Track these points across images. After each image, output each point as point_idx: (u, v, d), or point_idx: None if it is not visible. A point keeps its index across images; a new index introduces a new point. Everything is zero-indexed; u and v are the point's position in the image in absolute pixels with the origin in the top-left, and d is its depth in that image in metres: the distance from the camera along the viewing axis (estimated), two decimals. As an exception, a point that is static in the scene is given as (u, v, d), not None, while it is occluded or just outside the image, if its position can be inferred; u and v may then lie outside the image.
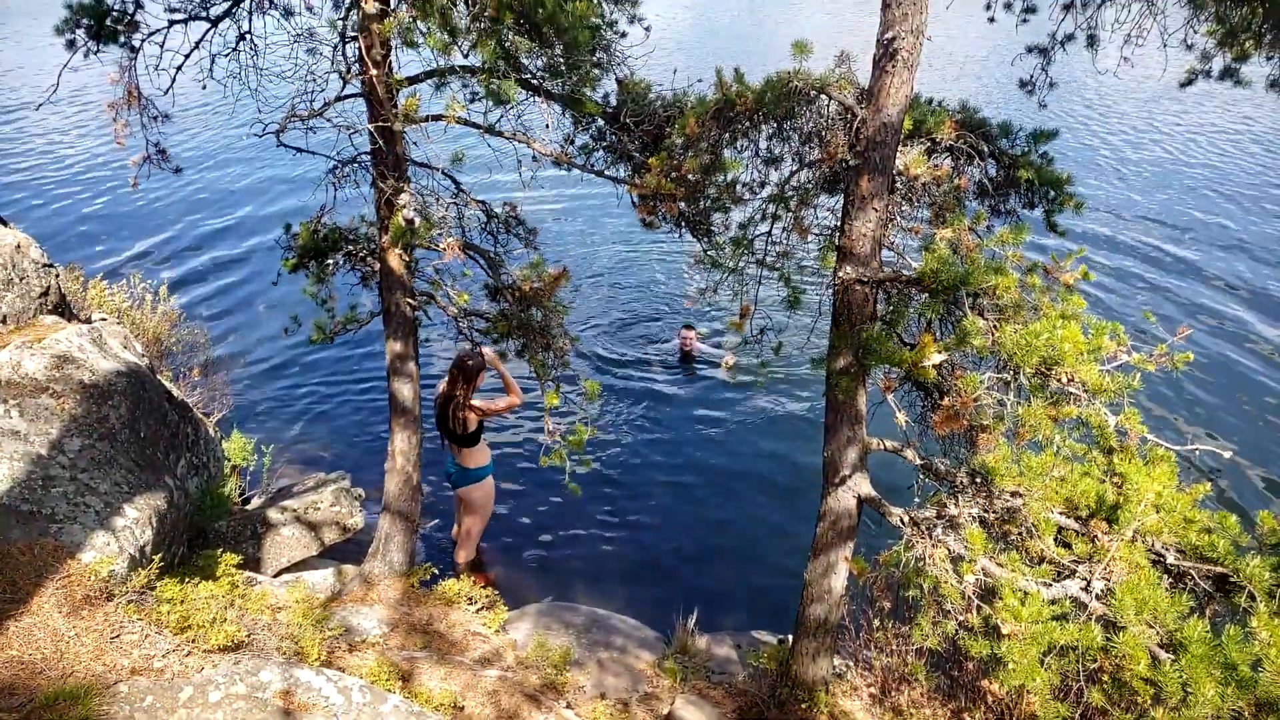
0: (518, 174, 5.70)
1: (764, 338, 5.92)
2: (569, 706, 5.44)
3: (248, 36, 5.77)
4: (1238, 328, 12.42)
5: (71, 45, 5.36)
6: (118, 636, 4.32)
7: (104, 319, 7.39)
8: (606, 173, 5.83)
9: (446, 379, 6.81)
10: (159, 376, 7.22)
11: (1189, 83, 5.47)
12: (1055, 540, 4.01)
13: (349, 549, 7.36)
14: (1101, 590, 3.76)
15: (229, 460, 7.96)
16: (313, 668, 4.56)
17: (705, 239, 5.82)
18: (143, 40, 5.53)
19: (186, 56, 5.64)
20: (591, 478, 8.57)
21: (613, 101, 5.66)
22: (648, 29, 5.80)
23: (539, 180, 5.89)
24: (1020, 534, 4.10)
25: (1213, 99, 25.33)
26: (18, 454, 5.14)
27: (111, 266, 13.39)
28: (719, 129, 4.91)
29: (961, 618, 4.01)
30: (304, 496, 7.39)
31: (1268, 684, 3.17)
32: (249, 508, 7.68)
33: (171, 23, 5.60)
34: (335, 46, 5.29)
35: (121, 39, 5.44)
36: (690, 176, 5.07)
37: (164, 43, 5.55)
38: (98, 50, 5.43)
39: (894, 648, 5.72)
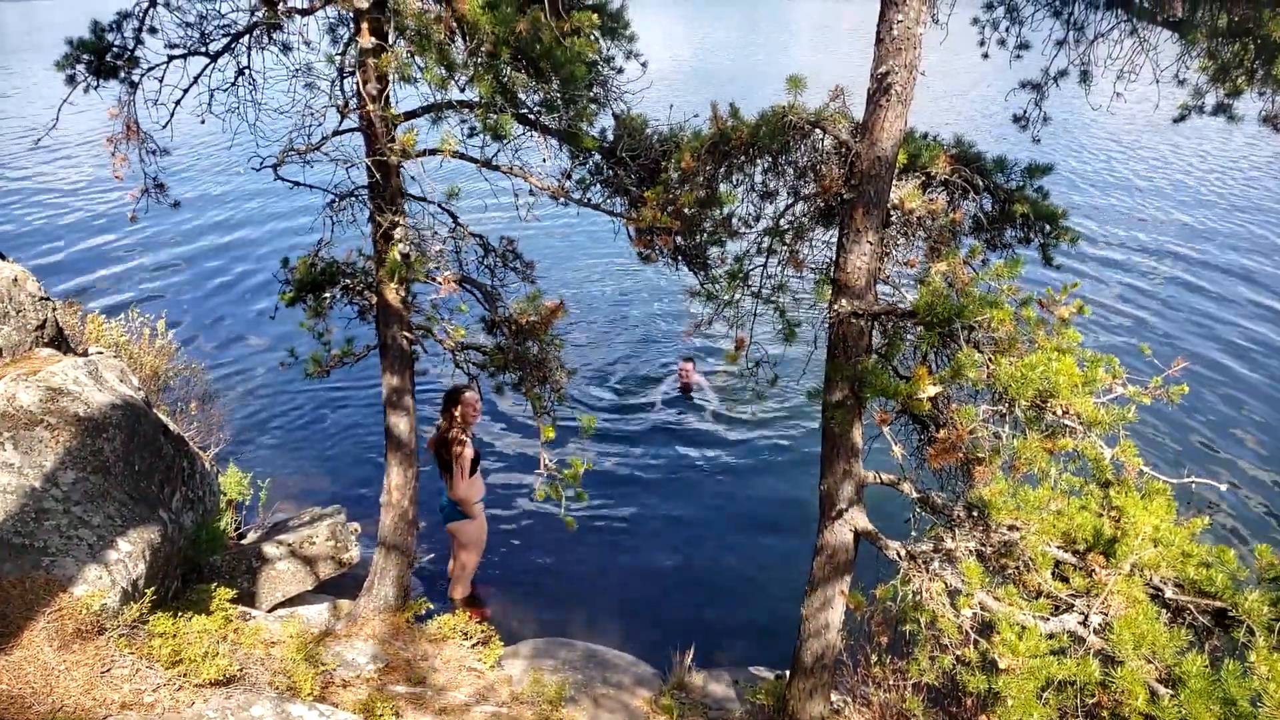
0: (515, 208, 5.73)
1: (759, 370, 5.92)
2: (564, 744, 5.37)
3: (246, 71, 5.83)
4: (1234, 360, 12.43)
5: (72, 81, 5.42)
6: (108, 670, 4.28)
7: (101, 352, 7.40)
8: (603, 207, 5.87)
9: (443, 412, 6.83)
10: (155, 410, 7.21)
11: (1182, 118, 5.52)
12: (1052, 574, 3.99)
13: (344, 583, 7.30)
14: (1099, 624, 3.72)
15: (225, 494, 7.92)
16: (306, 703, 4.51)
17: (701, 272, 5.84)
18: (142, 75, 5.58)
19: (185, 91, 5.69)
20: (588, 512, 8.53)
21: (609, 136, 5.71)
22: (644, 65, 5.86)
23: (536, 214, 5.92)
24: (1017, 568, 4.07)
25: (1207, 133, 25.58)
26: (11, 486, 5.12)
27: (109, 300, 13.44)
28: (714, 163, 4.96)
29: (959, 652, 3.97)
30: (299, 530, 7.35)
31: (1267, 719, 3.13)
32: (244, 542, 7.63)
33: (171, 58, 5.66)
34: (333, 81, 5.35)
35: (121, 74, 5.50)
36: (686, 210, 5.11)
37: (163, 78, 5.61)
38: (98, 86, 5.49)
39: (891, 683, 5.65)
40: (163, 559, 5.67)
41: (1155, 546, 3.83)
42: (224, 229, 17.63)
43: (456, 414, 6.76)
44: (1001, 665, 3.58)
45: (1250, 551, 3.87)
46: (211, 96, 5.77)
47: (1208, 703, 3.26)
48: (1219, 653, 3.67)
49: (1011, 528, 4.07)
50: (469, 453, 6.74)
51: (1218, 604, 3.70)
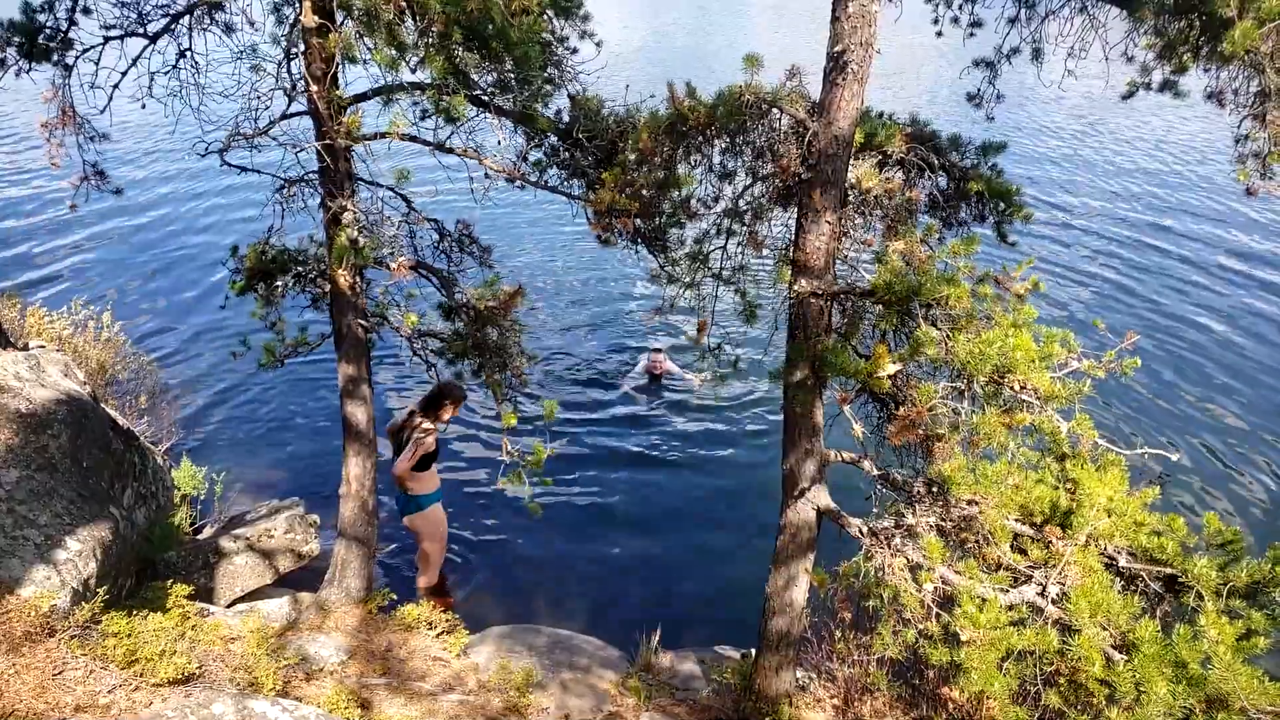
0: (470, 191, 5.64)
1: (721, 352, 5.92)
2: (532, 729, 5.36)
3: (188, 53, 5.64)
4: (1185, 333, 12.74)
5: (2, 64, 5.21)
6: (61, 673, 4.17)
7: (43, 346, 7.17)
8: (561, 189, 5.80)
9: (427, 405, 6.81)
10: (103, 405, 7.02)
11: (1130, 95, 5.60)
12: (1011, 547, 4.05)
13: (305, 576, 7.20)
14: (1057, 594, 3.79)
15: (178, 489, 7.75)
16: (268, 698, 4.44)
17: (661, 255, 5.81)
18: (77, 58, 5.38)
19: (124, 74, 5.49)
20: (553, 499, 8.51)
21: (565, 118, 5.64)
22: (599, 44, 5.79)
23: (492, 197, 5.84)
24: (977, 541, 4.13)
25: (1158, 110, 26.08)
26: (-48, 487, 4.95)
27: (51, 292, 13.02)
28: (672, 144, 4.91)
29: (921, 626, 4.02)
30: (257, 524, 7.23)
31: (1217, 681, 3.22)
32: (200, 537, 7.49)
33: (107, 39, 5.45)
34: (279, 63, 5.20)
35: (55, 57, 5.29)
36: (645, 192, 5.06)
37: (99, 60, 5.41)
38: (30, 69, 5.27)
39: (856, 658, 5.73)
40: (115, 557, 5.54)
41: (1109, 517, 3.90)
42: (170, 217, 17.15)
43: (445, 413, 6.75)
44: (963, 637, 3.63)
45: (1199, 518, 3.97)
46: (152, 80, 5.58)
47: (1160, 667, 3.34)
48: (1170, 618, 3.76)
49: (971, 502, 4.13)
50: (430, 443, 6.69)
51: (1169, 571, 3.79)
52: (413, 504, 6.93)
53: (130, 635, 4.57)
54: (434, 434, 6.73)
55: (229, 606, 6.55)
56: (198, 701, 4.19)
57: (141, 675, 4.32)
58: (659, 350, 11.34)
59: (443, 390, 6.72)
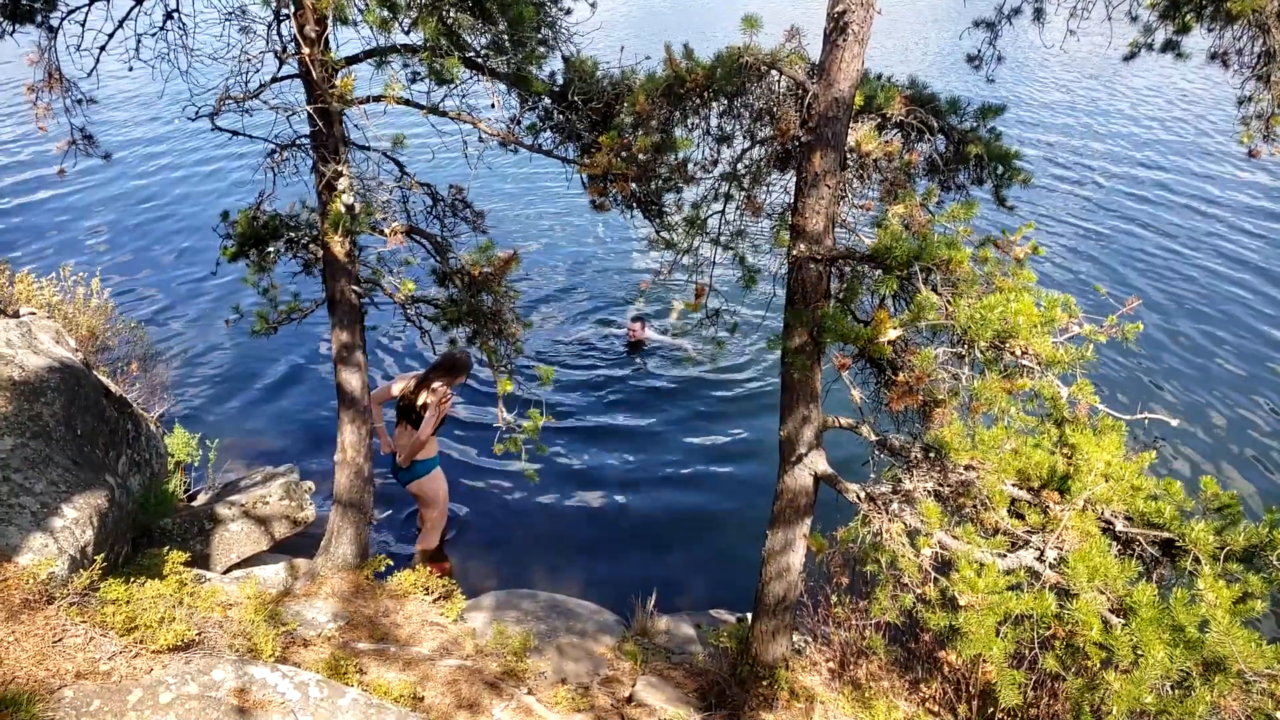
0: (464, 155, 5.57)
1: (718, 318, 5.89)
2: (530, 693, 5.40)
3: (175, 15, 5.52)
4: (1184, 298, 12.73)
5: (-15, 26, 5.09)
6: (60, 640, 4.17)
7: (33, 314, 7.10)
8: (555, 153, 5.72)
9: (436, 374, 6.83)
10: (95, 372, 6.97)
11: (1132, 56, 5.52)
12: (1009, 512, 4.06)
13: (301, 543, 7.21)
14: (1054, 559, 3.81)
15: (172, 456, 7.73)
16: (267, 664, 4.46)
17: (658, 220, 5.75)
18: (61, 19, 5.26)
19: (110, 36, 5.37)
20: (547, 464, 8.52)
21: (559, 80, 5.55)
22: (593, 5, 5.68)
23: (486, 162, 5.77)
24: (975, 506, 4.14)
25: (1159, 71, 25.86)
26: (-55, 456, 4.92)
27: (40, 259, 12.90)
28: (669, 106, 4.84)
29: (919, 591, 4.04)
30: (252, 491, 7.22)
31: (1214, 644, 3.25)
32: (195, 504, 7.48)
33: (92, 0, 5.34)
34: (270, 24, 5.09)
35: (39, 18, 5.17)
36: (641, 156, 5.00)
37: (85, 21, 5.30)
38: (14, 31, 5.16)
39: (852, 623, 5.78)
40: (111, 524, 5.53)
41: (1106, 481, 3.91)
42: (160, 182, 16.97)
43: (456, 382, 6.79)
44: (961, 602, 3.65)
45: (1196, 482, 3.98)
46: (139, 42, 5.46)
47: (1158, 630, 3.37)
48: (1167, 582, 3.79)
49: (968, 467, 4.13)
50: (447, 408, 6.76)
51: (1166, 535, 3.81)
52: (416, 469, 6.94)
53: (129, 602, 4.57)
54: (450, 400, 6.78)
55: (225, 573, 6.57)
56: (198, 668, 4.20)
57: (141, 642, 4.32)
58: (638, 319, 11.37)
59: (455, 361, 6.75)
